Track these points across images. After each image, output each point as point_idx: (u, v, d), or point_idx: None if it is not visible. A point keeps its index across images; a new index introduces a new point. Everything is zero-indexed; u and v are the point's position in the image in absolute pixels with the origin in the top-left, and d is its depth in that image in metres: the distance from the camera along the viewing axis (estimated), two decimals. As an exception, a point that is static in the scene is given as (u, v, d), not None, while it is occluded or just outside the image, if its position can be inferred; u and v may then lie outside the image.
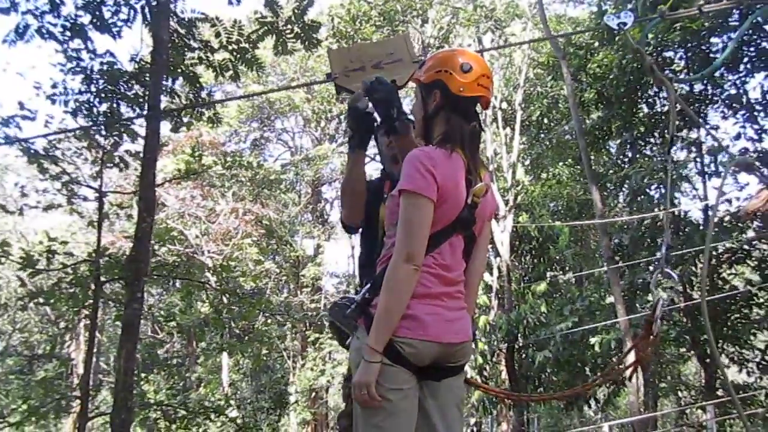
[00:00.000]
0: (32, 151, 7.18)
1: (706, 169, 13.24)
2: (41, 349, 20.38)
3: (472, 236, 2.34)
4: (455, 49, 2.93)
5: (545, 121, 17.38)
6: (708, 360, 12.60)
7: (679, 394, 16.11)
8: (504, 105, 17.99)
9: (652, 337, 2.61)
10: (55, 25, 6.78)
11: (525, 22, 17.99)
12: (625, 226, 13.77)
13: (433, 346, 2.18)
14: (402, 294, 2.12)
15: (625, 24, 2.86)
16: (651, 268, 11.44)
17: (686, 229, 12.61)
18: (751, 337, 12.54)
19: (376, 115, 2.76)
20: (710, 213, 12.26)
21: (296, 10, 7.70)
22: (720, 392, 12.34)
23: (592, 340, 12.87)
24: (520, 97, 17.43)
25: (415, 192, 2.16)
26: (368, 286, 2.32)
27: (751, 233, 12.04)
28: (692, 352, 13.55)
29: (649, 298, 11.19)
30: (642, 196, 12.53)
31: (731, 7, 6.34)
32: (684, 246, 11.62)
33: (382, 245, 2.38)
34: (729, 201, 11.94)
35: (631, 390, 12.00)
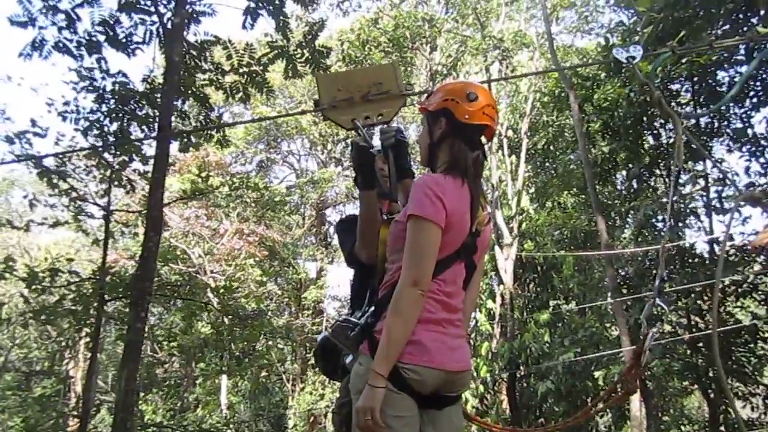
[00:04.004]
0: (43, 168, 7.22)
1: (712, 202, 13.22)
2: (40, 365, 20.23)
3: (473, 264, 2.35)
4: (463, 81, 2.96)
5: (551, 149, 17.44)
6: (712, 394, 12.45)
7: (682, 428, 15.89)
8: (510, 133, 18.06)
9: (639, 368, 2.61)
10: (71, 41, 6.83)
11: (532, 51, 18.14)
12: (629, 259, 13.71)
13: (437, 374, 2.16)
14: (408, 319, 2.11)
15: (633, 58, 2.87)
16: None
17: (692, 262, 12.54)
18: (756, 372, 12.41)
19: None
20: (718, 247, 12.17)
21: (307, 35, 7.79)
22: (723, 428, 12.18)
23: (596, 374, 12.72)
24: (526, 125, 17.50)
25: (424, 218, 2.15)
26: (371, 309, 2.30)
27: (757, 267, 11.99)
28: (695, 385, 13.39)
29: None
30: (649, 229, 12.48)
31: (741, 43, 6.39)
32: (690, 280, 11.55)
33: (384, 270, 2.35)
34: (731, 237, 11.89)
35: (634, 423, 11.86)
